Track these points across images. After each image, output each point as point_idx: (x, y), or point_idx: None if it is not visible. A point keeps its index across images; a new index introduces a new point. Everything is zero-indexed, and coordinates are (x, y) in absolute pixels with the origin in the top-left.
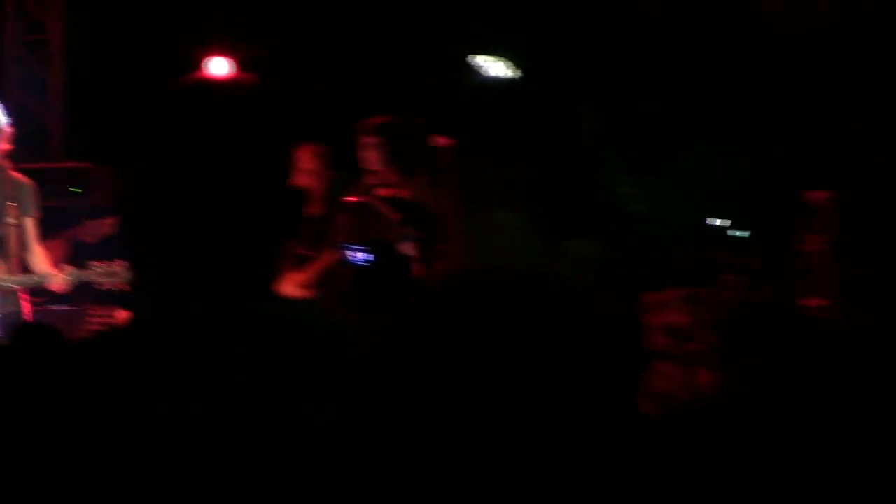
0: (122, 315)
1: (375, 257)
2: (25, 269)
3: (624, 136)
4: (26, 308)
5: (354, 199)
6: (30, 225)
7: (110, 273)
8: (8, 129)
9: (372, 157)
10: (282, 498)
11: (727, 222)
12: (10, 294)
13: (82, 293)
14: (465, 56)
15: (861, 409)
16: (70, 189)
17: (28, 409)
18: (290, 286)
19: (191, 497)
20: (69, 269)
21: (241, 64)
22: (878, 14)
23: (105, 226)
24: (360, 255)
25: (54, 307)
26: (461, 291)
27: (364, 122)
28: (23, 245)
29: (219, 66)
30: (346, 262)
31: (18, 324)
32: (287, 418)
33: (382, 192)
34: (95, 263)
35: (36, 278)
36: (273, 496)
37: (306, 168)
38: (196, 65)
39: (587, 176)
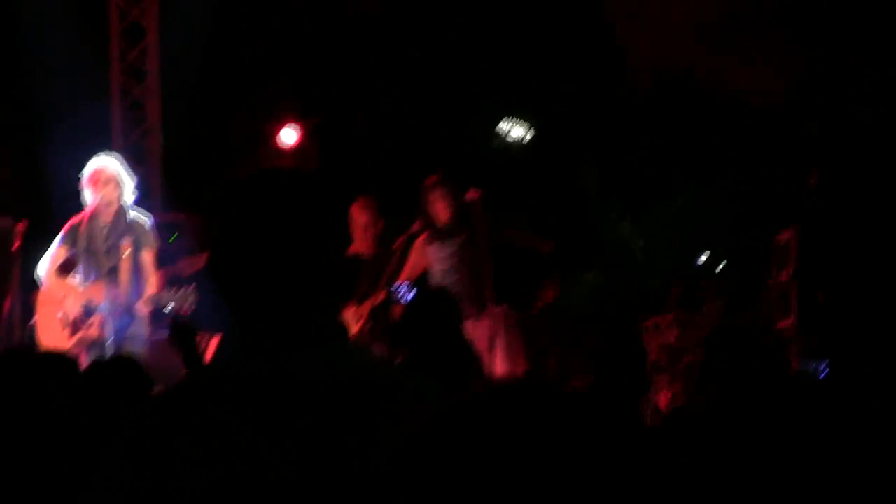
0: (215, 341)
1: (421, 295)
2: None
3: (623, 186)
4: (144, 332)
5: (401, 242)
6: (145, 257)
7: (183, 297)
8: (132, 183)
9: (441, 206)
10: None
11: (710, 257)
12: (129, 320)
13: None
14: (491, 123)
15: (825, 411)
16: (170, 237)
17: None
18: (347, 323)
19: None
20: (150, 294)
21: (306, 133)
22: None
23: (198, 263)
24: (407, 293)
25: (159, 333)
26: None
27: (436, 177)
28: (137, 275)
29: (288, 135)
30: (395, 300)
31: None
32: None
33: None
34: (169, 290)
35: (125, 304)
36: None
37: (360, 218)
38: (269, 134)
39: (594, 219)
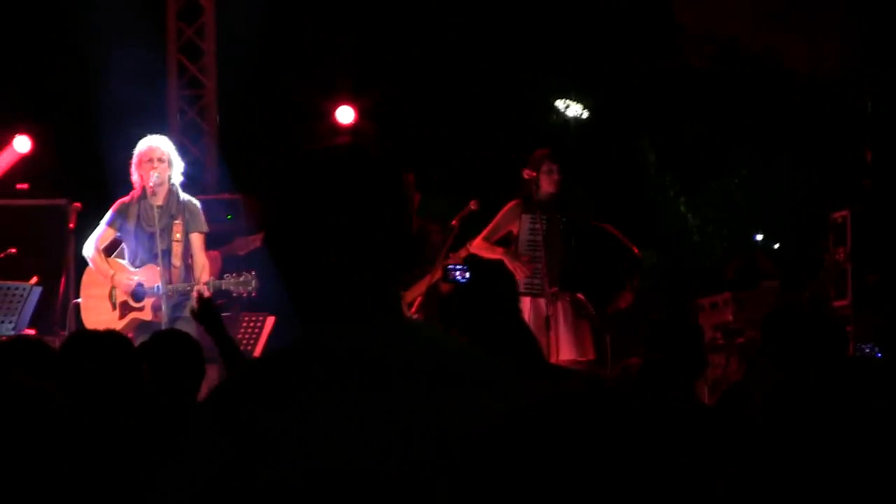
0: (270, 321)
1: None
2: (187, 279)
3: (679, 164)
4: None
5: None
6: (195, 239)
7: (243, 282)
8: (181, 164)
9: (548, 179)
10: None
11: (767, 234)
12: (180, 301)
13: (237, 302)
14: (548, 100)
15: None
16: (226, 216)
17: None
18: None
19: None
20: (210, 279)
21: (361, 112)
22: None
23: (254, 242)
24: (462, 274)
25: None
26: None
27: (549, 149)
28: (189, 258)
29: (345, 113)
30: (448, 280)
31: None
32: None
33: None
34: (230, 275)
35: (180, 287)
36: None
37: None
38: (326, 112)
39: (650, 197)
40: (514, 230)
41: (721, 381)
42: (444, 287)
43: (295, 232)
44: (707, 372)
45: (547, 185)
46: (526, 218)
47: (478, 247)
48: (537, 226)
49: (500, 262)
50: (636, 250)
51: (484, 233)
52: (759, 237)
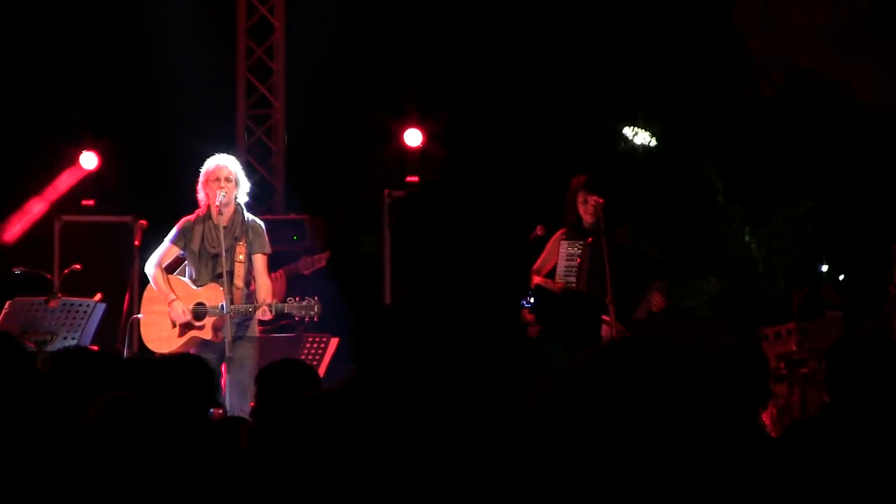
0: (334, 342)
1: (536, 300)
2: (248, 299)
3: (746, 193)
4: (256, 334)
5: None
6: (258, 261)
7: (305, 306)
8: (248, 185)
9: (590, 210)
10: None
11: (832, 265)
12: (242, 322)
13: (301, 323)
14: (615, 127)
15: None
16: (292, 236)
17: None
18: None
19: None
20: (272, 302)
21: (429, 135)
22: None
23: (319, 262)
24: (525, 298)
25: (276, 335)
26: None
27: (586, 177)
28: (251, 279)
29: (412, 137)
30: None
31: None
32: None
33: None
34: (293, 298)
35: (242, 308)
36: None
37: None
38: (395, 134)
39: (715, 225)
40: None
41: (784, 411)
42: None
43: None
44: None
45: (585, 215)
46: (564, 244)
47: (534, 279)
48: (575, 251)
49: None
50: (655, 255)
51: (536, 264)
52: (825, 267)
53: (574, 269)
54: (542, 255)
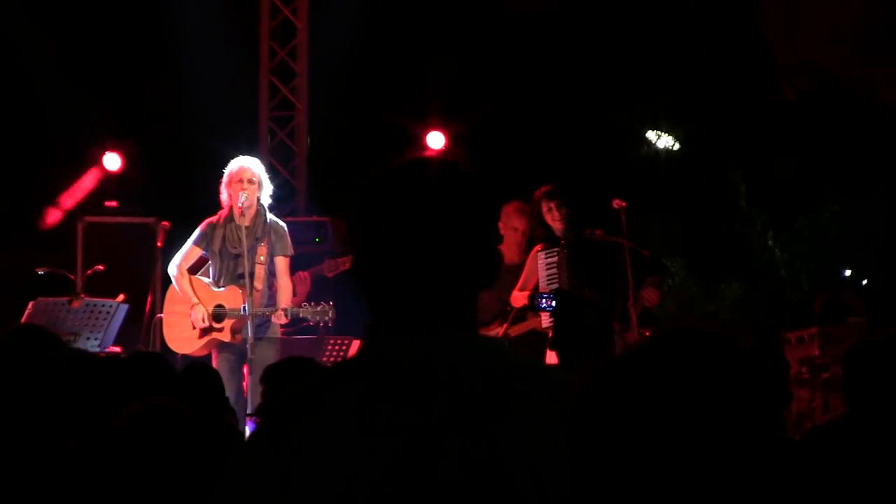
0: (356, 344)
1: (558, 304)
2: (269, 301)
3: (769, 197)
4: (277, 335)
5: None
6: (280, 263)
7: (320, 312)
8: (271, 187)
9: (556, 216)
10: None
11: (855, 270)
12: (261, 324)
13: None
14: (638, 131)
15: None
16: (314, 238)
17: None
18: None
19: None
20: (288, 306)
21: (452, 138)
22: None
23: (342, 265)
24: (546, 301)
25: (298, 336)
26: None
27: (548, 188)
28: (272, 281)
29: (435, 140)
30: (536, 309)
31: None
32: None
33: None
34: (308, 304)
35: (259, 311)
36: None
37: (519, 223)
38: (417, 136)
39: (737, 230)
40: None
41: (805, 416)
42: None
43: (378, 242)
44: (792, 406)
45: (553, 223)
46: (541, 255)
47: (514, 298)
48: (552, 258)
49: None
50: (646, 252)
51: (518, 283)
52: (847, 272)
53: (555, 276)
54: (524, 275)
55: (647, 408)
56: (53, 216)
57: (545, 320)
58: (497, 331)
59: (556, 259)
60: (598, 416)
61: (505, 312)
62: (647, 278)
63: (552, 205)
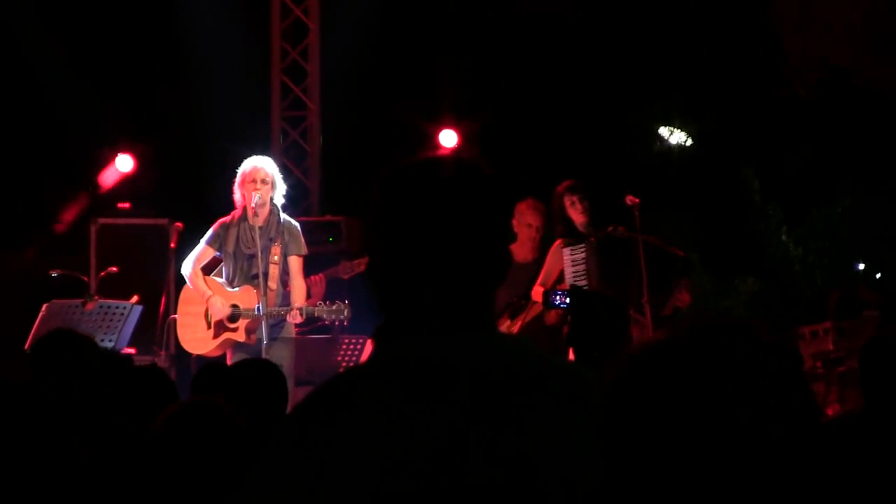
0: (370, 344)
1: (573, 300)
2: (284, 301)
3: (783, 192)
4: (293, 335)
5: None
6: (293, 262)
7: (335, 310)
8: (284, 187)
9: (579, 209)
10: None
11: (869, 264)
12: (276, 324)
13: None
14: (651, 127)
15: None
16: (328, 238)
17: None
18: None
19: None
20: (303, 306)
21: (465, 136)
22: None
23: (358, 266)
24: (560, 298)
25: (312, 336)
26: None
27: (570, 182)
28: (286, 280)
29: (448, 138)
30: (550, 307)
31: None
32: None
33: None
34: (323, 303)
35: (274, 311)
36: None
37: (534, 220)
38: (430, 135)
39: (752, 225)
40: (562, 268)
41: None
42: (550, 317)
43: (392, 243)
44: None
45: (576, 217)
46: (566, 251)
47: (535, 293)
48: (579, 255)
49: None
50: (679, 251)
51: (539, 278)
52: (862, 267)
53: (583, 273)
54: (544, 270)
55: (687, 401)
56: (70, 212)
57: (553, 316)
58: (513, 328)
59: (583, 255)
60: (637, 410)
61: (510, 304)
62: (680, 280)
63: (575, 198)
